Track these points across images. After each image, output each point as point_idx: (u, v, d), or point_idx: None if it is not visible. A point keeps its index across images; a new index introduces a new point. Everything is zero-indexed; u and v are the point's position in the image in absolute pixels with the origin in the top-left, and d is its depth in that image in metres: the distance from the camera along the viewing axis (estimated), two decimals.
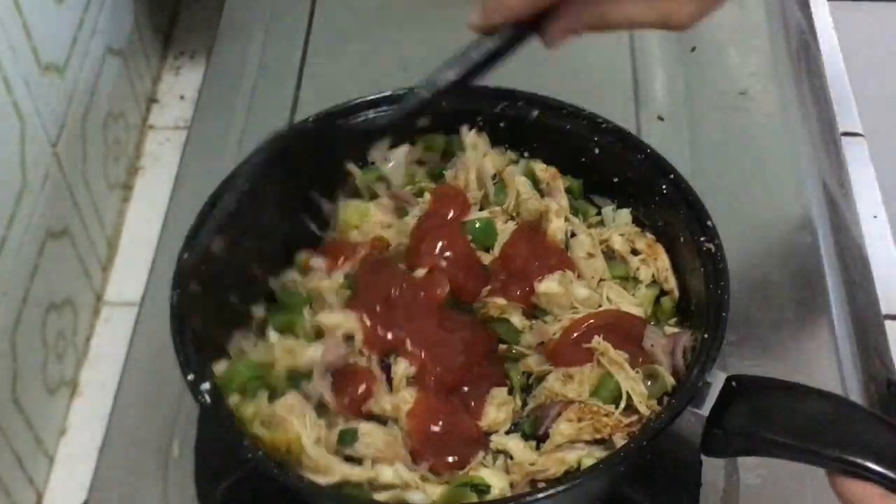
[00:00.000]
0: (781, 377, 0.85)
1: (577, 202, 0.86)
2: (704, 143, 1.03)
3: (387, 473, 0.71)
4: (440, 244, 0.80)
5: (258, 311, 0.78)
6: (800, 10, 1.19)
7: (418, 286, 0.78)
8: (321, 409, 0.74)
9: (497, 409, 0.75)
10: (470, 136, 0.86)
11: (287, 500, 0.71)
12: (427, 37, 1.13)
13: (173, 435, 0.85)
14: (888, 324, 0.94)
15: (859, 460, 0.63)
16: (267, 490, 0.75)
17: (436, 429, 0.73)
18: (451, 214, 0.83)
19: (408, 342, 0.75)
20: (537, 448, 0.74)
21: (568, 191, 0.85)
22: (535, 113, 0.85)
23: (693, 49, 1.11)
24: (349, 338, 0.76)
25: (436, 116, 0.86)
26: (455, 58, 0.73)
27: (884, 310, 0.95)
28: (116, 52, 1.03)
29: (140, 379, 0.89)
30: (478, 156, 0.86)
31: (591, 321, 0.77)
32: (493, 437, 0.75)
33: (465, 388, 0.76)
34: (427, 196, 0.85)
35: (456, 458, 0.73)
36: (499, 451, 0.74)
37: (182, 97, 1.14)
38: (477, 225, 0.83)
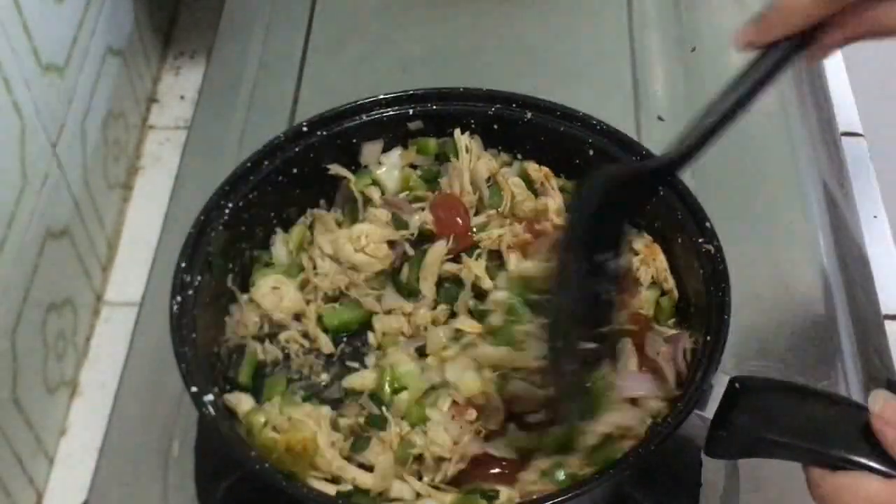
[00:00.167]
0: (782, 378, 0.85)
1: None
2: None
3: (397, 485, 0.71)
4: None
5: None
6: None
7: None
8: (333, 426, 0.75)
9: None
10: (463, 139, 0.86)
11: (287, 500, 0.71)
12: (427, 37, 1.13)
13: (173, 435, 0.85)
14: (888, 324, 0.94)
15: (863, 460, 0.63)
16: (267, 490, 0.75)
17: None
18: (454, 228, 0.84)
19: None
20: None
21: (562, 191, 0.86)
22: (529, 115, 0.86)
23: (693, 49, 1.11)
24: None
25: (428, 119, 0.86)
26: (730, 84, 0.71)
27: (884, 310, 0.95)
28: (116, 52, 1.03)
29: (140, 379, 0.89)
30: (471, 159, 0.86)
31: None
32: None
33: None
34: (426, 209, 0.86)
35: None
36: None
37: (182, 97, 1.14)
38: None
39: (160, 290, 0.93)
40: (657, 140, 1.01)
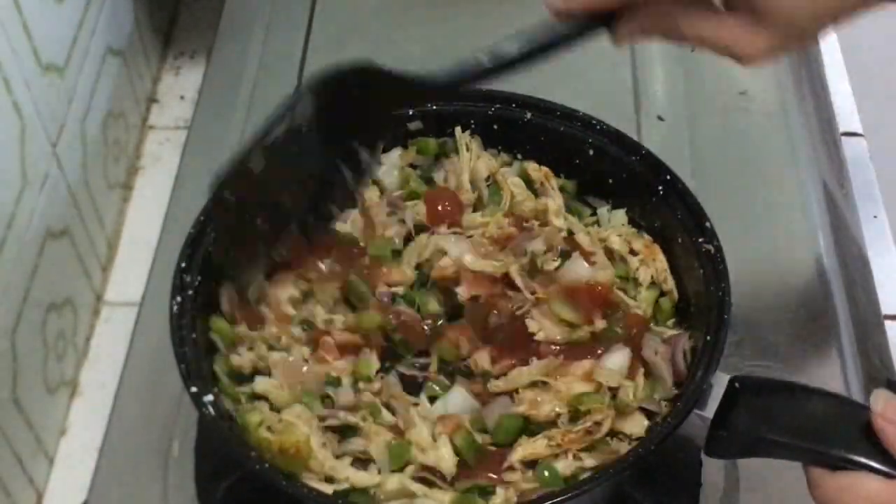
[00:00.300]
0: (782, 377, 0.85)
1: (572, 202, 0.86)
2: (704, 143, 1.03)
3: (393, 480, 0.71)
4: None
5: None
6: None
7: None
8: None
9: None
10: (463, 138, 0.86)
11: (287, 500, 0.71)
12: (427, 37, 1.13)
13: (173, 435, 0.85)
14: (888, 324, 0.94)
15: (864, 460, 0.63)
16: (267, 490, 0.75)
17: None
18: (446, 217, 0.83)
19: None
20: None
21: (562, 190, 0.86)
22: (528, 115, 0.86)
23: (693, 49, 1.11)
24: None
25: (428, 119, 0.86)
26: (521, 34, 0.72)
27: (884, 310, 0.95)
28: (116, 52, 1.03)
29: (140, 379, 0.89)
30: (471, 157, 0.86)
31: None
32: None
33: None
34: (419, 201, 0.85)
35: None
36: None
37: (182, 97, 1.14)
38: None
39: (160, 290, 0.93)
40: (657, 140, 1.01)
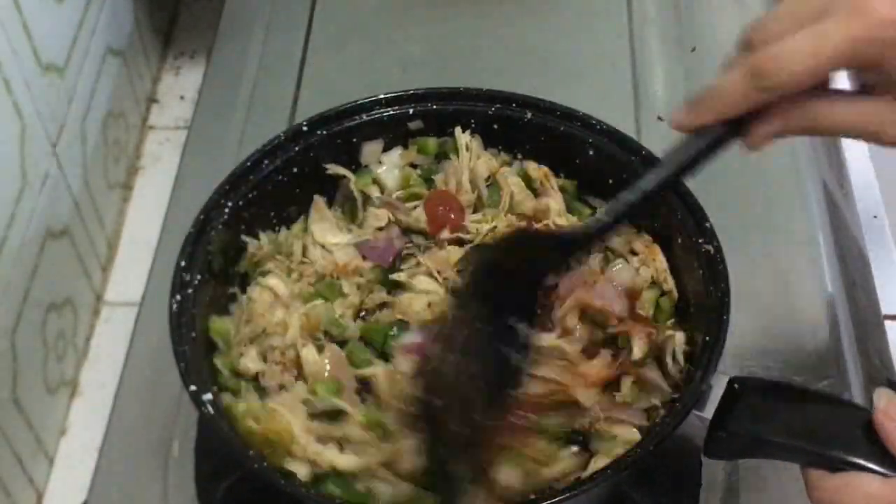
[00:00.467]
0: (782, 378, 0.85)
1: (572, 202, 0.86)
2: None
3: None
4: None
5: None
6: None
7: None
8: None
9: None
10: (463, 138, 0.86)
11: (287, 500, 0.71)
12: (427, 37, 1.13)
13: (173, 435, 0.85)
14: (888, 324, 0.94)
15: (863, 461, 0.63)
16: (267, 490, 0.75)
17: None
18: (447, 223, 0.83)
19: None
20: None
21: (562, 190, 0.86)
22: (529, 115, 0.85)
23: (693, 49, 1.11)
24: None
25: (428, 119, 0.86)
26: (665, 158, 0.70)
27: (884, 310, 0.95)
28: (116, 52, 1.03)
29: (140, 379, 0.89)
30: (471, 157, 0.86)
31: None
32: None
33: None
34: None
35: None
36: None
37: (182, 97, 1.14)
38: None
39: (160, 290, 0.93)
40: (657, 140, 1.01)
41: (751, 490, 0.82)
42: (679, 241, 0.79)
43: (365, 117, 0.85)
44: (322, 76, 1.10)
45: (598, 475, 0.69)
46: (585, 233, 0.74)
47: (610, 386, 0.76)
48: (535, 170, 0.86)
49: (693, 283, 0.78)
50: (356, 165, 0.87)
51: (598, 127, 0.84)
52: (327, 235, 0.84)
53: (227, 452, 0.72)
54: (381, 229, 0.84)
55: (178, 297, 0.75)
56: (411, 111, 0.86)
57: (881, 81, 0.63)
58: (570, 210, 0.85)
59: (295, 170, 0.84)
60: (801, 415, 0.67)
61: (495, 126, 0.86)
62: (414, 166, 0.88)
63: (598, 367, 0.75)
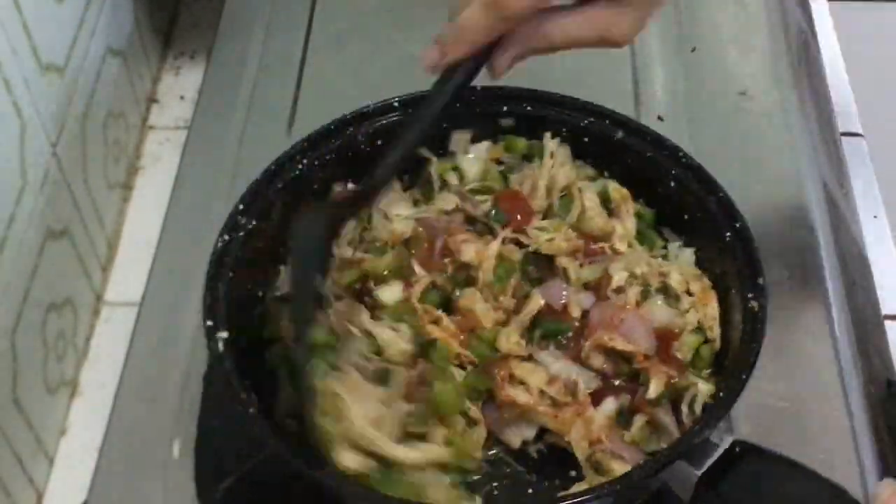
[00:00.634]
0: (781, 377, 0.85)
1: (647, 231, 0.85)
2: (704, 143, 1.03)
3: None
4: None
5: None
6: (800, 9, 1.19)
7: None
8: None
9: None
10: (551, 144, 0.86)
11: (287, 499, 0.71)
12: (427, 37, 1.12)
13: (173, 435, 0.85)
14: (888, 324, 0.94)
15: None
16: (267, 490, 0.75)
17: None
18: (512, 221, 0.83)
19: None
20: None
21: (639, 217, 0.85)
22: (620, 133, 0.85)
23: (693, 49, 1.12)
24: None
25: (521, 119, 0.87)
26: (421, 108, 0.75)
27: (884, 310, 0.95)
28: (116, 52, 1.03)
29: (140, 379, 0.89)
30: (554, 165, 0.85)
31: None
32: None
33: None
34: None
35: None
36: None
37: (182, 97, 1.14)
38: None
39: (160, 290, 0.93)
40: None
41: None
42: (732, 290, 0.78)
43: (458, 105, 0.86)
44: (322, 76, 1.10)
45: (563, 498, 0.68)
46: (361, 192, 0.79)
47: (621, 418, 0.76)
48: (616, 190, 0.85)
49: (735, 338, 0.76)
50: (443, 151, 0.87)
51: (684, 160, 0.83)
52: (392, 205, 0.85)
53: (224, 392, 0.72)
54: (447, 213, 0.84)
55: (227, 237, 0.77)
56: (504, 108, 0.87)
57: None
58: (643, 238, 0.84)
59: (380, 142, 0.85)
60: (789, 494, 0.67)
61: (586, 139, 0.86)
62: (500, 163, 0.88)
63: (601, 419, 0.75)
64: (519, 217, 0.83)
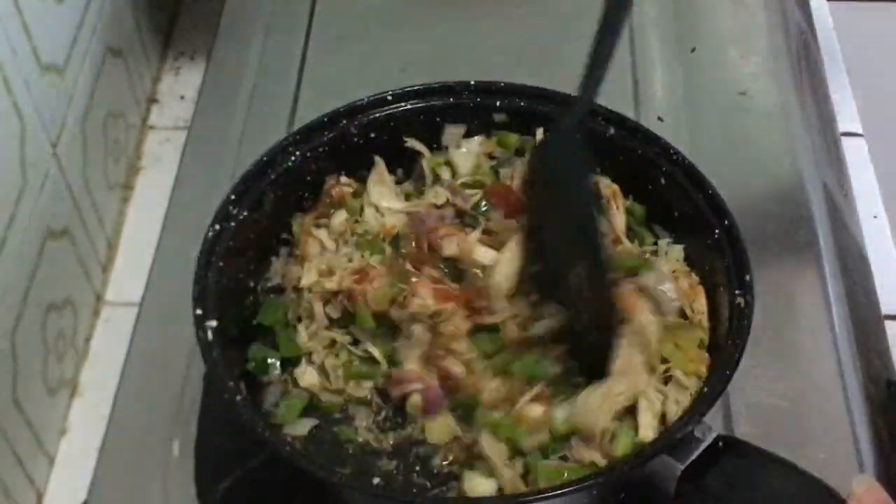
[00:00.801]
0: (781, 377, 0.85)
1: (637, 227, 0.85)
2: (704, 143, 1.03)
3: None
4: None
5: None
6: (800, 10, 1.19)
7: None
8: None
9: None
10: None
11: (287, 499, 0.71)
12: (427, 37, 1.13)
13: (173, 435, 0.85)
14: (888, 324, 0.94)
15: None
16: (267, 490, 0.75)
17: None
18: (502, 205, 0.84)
19: None
20: None
21: (630, 213, 0.85)
22: (612, 131, 0.85)
23: (693, 49, 1.12)
24: None
25: (514, 115, 0.87)
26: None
27: (884, 310, 0.95)
28: (116, 52, 1.03)
29: (140, 379, 0.89)
30: None
31: None
32: None
33: None
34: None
35: None
36: None
37: (182, 97, 1.14)
38: None
39: (160, 290, 0.93)
40: None
41: None
42: (720, 288, 0.78)
43: (452, 100, 0.85)
44: (322, 76, 1.10)
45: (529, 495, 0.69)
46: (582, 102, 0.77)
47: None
48: (606, 187, 0.85)
49: (721, 333, 0.77)
50: (436, 145, 0.88)
51: (675, 157, 0.83)
52: (383, 199, 0.85)
53: (210, 378, 0.73)
54: (438, 207, 0.85)
55: (218, 226, 0.77)
56: (498, 103, 0.87)
57: None
58: (633, 234, 0.84)
59: (373, 135, 0.85)
60: (771, 490, 0.67)
61: (577, 135, 0.86)
62: (493, 158, 0.88)
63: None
64: (508, 210, 0.83)
